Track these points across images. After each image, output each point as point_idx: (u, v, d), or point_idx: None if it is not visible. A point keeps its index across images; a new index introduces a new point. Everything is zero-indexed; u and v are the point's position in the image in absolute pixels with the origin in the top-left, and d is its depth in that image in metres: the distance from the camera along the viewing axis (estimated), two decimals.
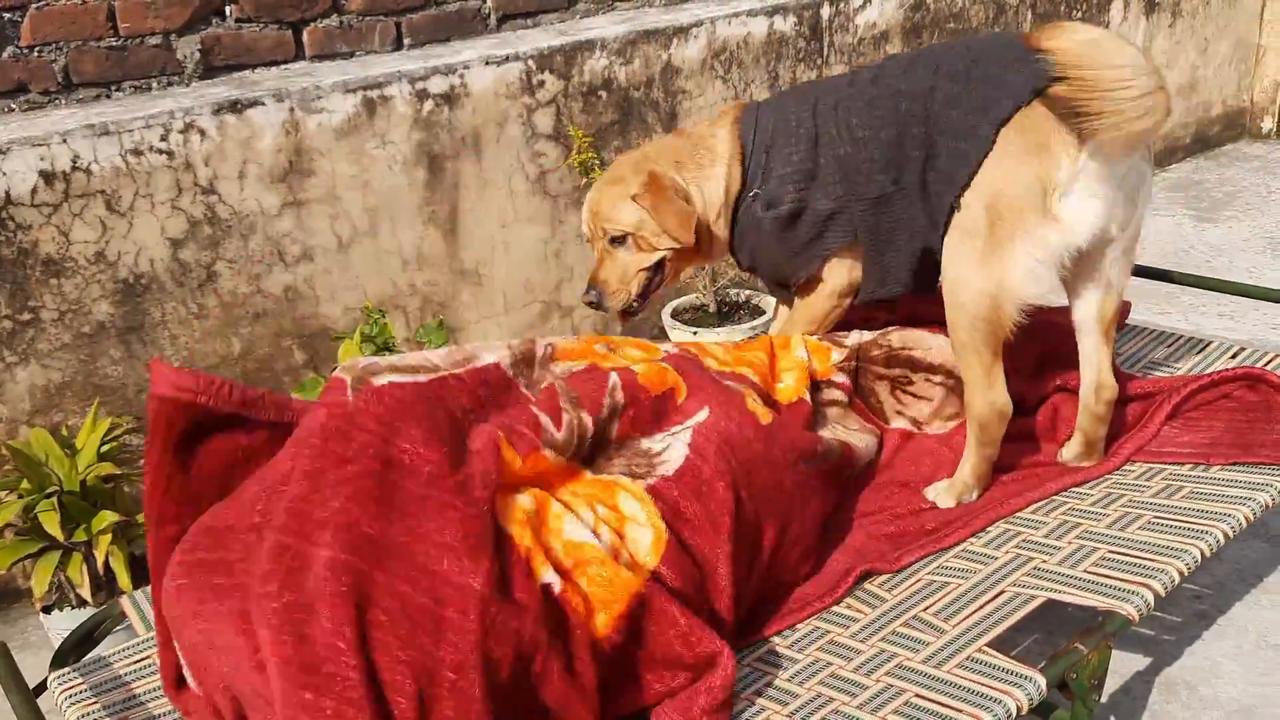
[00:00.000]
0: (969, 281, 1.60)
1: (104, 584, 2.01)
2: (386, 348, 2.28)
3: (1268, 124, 4.90)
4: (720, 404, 1.52)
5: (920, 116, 1.66)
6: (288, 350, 2.57)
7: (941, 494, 1.72)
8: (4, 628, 2.26)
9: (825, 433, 1.74)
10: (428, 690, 1.08)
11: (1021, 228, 1.55)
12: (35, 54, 2.32)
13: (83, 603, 2.00)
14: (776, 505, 1.48)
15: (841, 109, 1.77)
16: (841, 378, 1.88)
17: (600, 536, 1.30)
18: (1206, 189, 4.37)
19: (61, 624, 2.01)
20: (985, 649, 1.36)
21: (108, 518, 1.95)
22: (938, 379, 1.88)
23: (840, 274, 1.88)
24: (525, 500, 1.30)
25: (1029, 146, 1.54)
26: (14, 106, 2.32)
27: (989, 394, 1.66)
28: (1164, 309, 3.28)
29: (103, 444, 2.04)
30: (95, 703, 1.33)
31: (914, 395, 1.89)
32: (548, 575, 1.23)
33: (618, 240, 1.86)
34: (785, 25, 3.25)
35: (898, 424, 1.91)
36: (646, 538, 1.32)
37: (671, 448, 1.44)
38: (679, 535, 1.35)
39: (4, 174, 2.14)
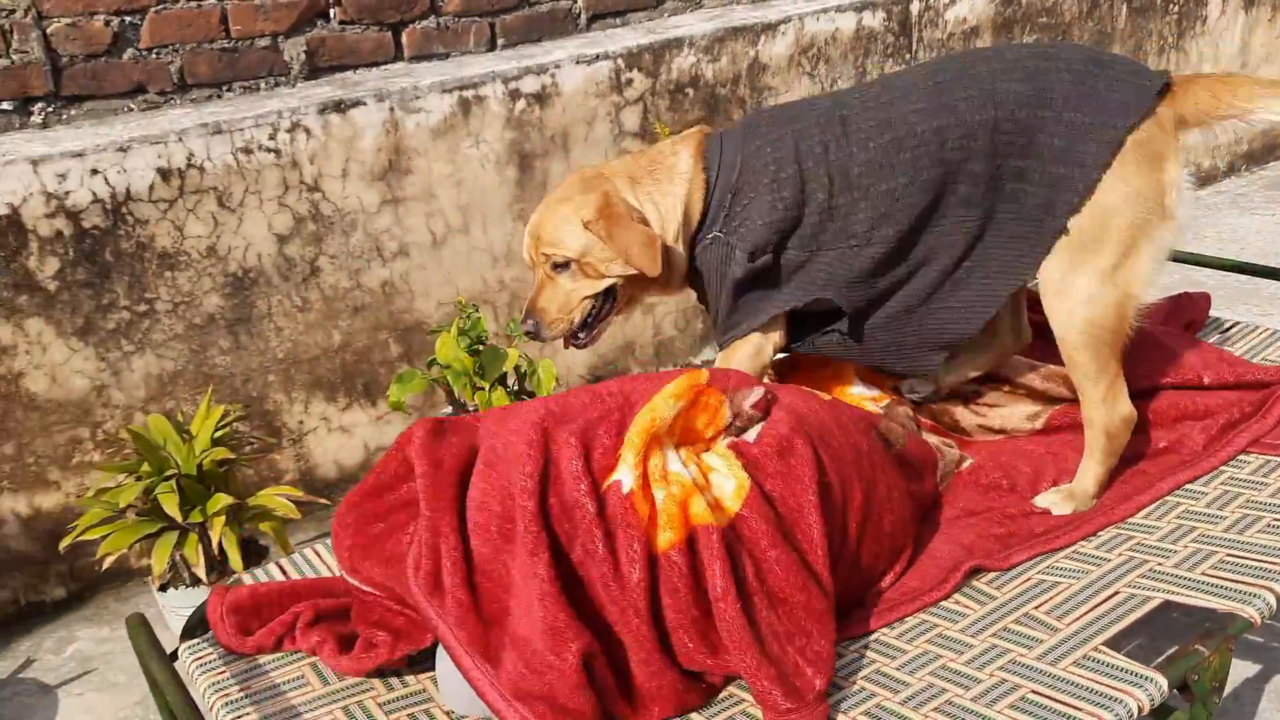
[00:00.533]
0: (1097, 297, 1.60)
1: (216, 564, 2.09)
2: (480, 342, 2.33)
3: None
4: (783, 390, 1.61)
5: (984, 151, 1.59)
6: (384, 343, 2.64)
7: (1058, 503, 1.67)
8: (117, 605, 2.37)
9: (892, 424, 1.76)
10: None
11: (1145, 234, 1.59)
12: (154, 56, 2.42)
13: (196, 581, 2.09)
14: (857, 466, 1.50)
15: (835, 151, 1.63)
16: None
17: (689, 470, 1.39)
18: None
19: (176, 601, 2.10)
20: (1101, 648, 1.33)
21: (222, 500, 2.03)
22: (1006, 388, 1.88)
23: (762, 345, 1.73)
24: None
25: (1148, 156, 1.58)
26: (133, 106, 2.43)
27: (1116, 406, 1.65)
28: (1266, 310, 3.17)
29: (216, 430, 2.13)
30: (225, 671, 1.40)
31: (989, 405, 1.88)
32: (623, 474, 1.32)
33: (560, 266, 1.70)
34: (874, 20, 3.22)
35: (982, 437, 1.88)
36: (729, 486, 1.38)
37: (749, 431, 1.51)
38: (761, 486, 1.40)
39: (124, 170, 2.24)
